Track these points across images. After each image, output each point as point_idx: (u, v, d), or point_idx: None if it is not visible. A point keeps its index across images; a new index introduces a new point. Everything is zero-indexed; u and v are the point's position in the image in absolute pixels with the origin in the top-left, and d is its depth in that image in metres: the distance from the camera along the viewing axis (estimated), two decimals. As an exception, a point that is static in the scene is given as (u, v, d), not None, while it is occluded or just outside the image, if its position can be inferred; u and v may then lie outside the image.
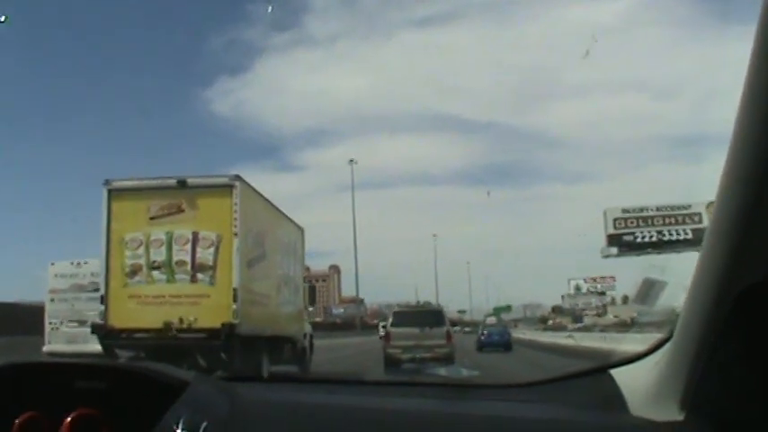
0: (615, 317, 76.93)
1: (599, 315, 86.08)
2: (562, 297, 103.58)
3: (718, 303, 1.34)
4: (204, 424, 1.74)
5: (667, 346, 1.62)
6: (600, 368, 1.95)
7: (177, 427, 1.73)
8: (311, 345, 20.81)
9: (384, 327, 26.09)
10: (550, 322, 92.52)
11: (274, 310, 17.24)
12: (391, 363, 20.11)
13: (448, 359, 20.38)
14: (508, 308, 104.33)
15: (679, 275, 1.61)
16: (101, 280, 14.83)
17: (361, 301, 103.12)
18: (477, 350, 37.47)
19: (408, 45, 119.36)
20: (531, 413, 1.87)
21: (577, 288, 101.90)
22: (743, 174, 1.22)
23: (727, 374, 1.40)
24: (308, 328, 20.77)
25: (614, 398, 1.77)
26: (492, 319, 76.52)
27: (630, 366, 1.86)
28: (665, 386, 1.58)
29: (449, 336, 21.26)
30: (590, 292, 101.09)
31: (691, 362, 1.46)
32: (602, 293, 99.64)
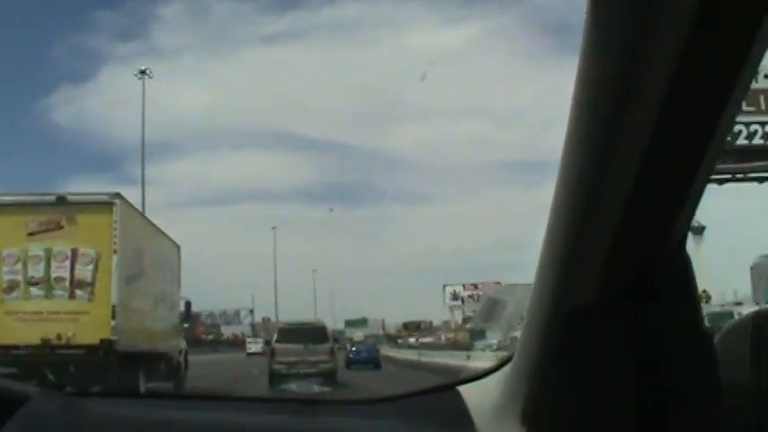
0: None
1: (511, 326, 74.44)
2: (463, 300, 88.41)
3: (552, 323, 1.40)
4: None
5: (510, 363, 1.66)
6: (448, 385, 1.97)
7: None
8: (186, 361, 20.95)
9: (267, 342, 26.32)
10: (400, 341, 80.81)
11: (152, 326, 17.34)
12: (276, 378, 20.59)
13: (331, 375, 21.21)
14: (363, 321, 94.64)
15: (523, 295, 1.60)
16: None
17: (197, 315, 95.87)
18: (346, 367, 37.66)
19: (255, 61, 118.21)
20: (379, 429, 1.91)
21: (454, 296, 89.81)
22: (569, 197, 1.29)
23: (562, 391, 1.43)
24: (183, 345, 20.91)
25: (461, 414, 1.79)
26: (359, 335, 73.66)
27: (477, 383, 1.90)
28: (507, 403, 1.61)
29: (332, 352, 22.04)
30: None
31: (529, 379, 1.50)
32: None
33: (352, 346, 44.56)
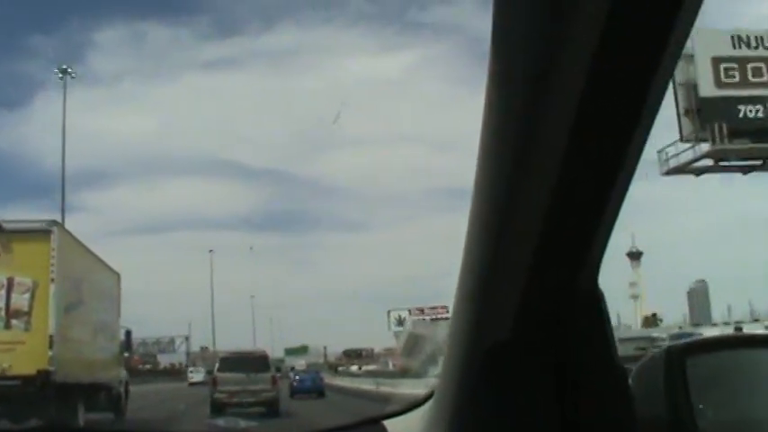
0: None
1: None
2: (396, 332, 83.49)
3: (470, 358, 1.41)
4: None
5: (434, 398, 1.67)
6: (375, 419, 1.99)
7: None
8: (127, 391, 20.51)
9: (210, 371, 26.07)
10: (340, 368, 77.83)
11: (91, 356, 16.96)
12: (218, 407, 20.42)
13: (273, 404, 21.15)
14: (304, 349, 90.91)
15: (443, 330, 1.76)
16: None
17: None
18: (290, 396, 37.06)
19: (193, 88, 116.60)
20: None
21: (399, 321, 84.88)
22: (481, 235, 1.30)
23: (482, 426, 1.44)
24: (123, 375, 20.48)
25: None
26: (301, 364, 71.45)
27: (402, 417, 1.93)
28: None
29: (274, 381, 22.01)
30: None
31: (451, 415, 1.51)
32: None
33: (296, 374, 43.78)
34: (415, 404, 1.88)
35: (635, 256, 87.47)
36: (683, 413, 1.55)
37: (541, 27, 1.05)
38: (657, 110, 1.14)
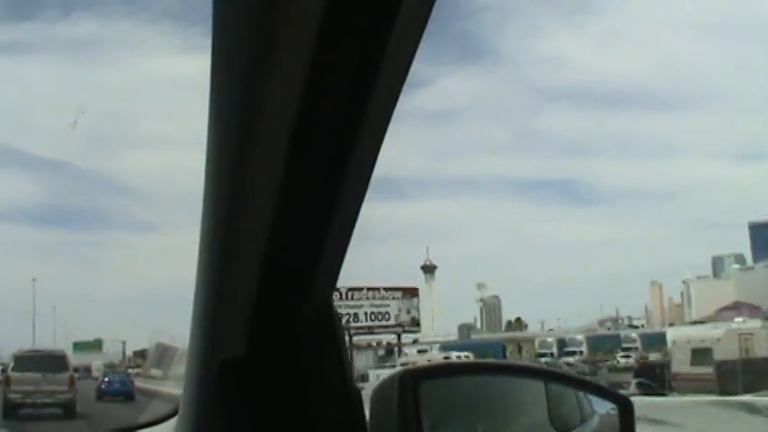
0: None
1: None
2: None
3: (205, 375, 1.42)
4: None
5: (178, 413, 1.68)
6: (124, 429, 2.16)
7: None
8: None
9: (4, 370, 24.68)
10: (133, 370, 75.59)
11: None
12: (11, 408, 19.46)
13: (70, 406, 20.11)
14: (97, 343, 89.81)
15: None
16: None
17: None
18: (97, 399, 35.42)
19: None
20: None
21: None
22: (209, 250, 1.28)
23: None
24: None
25: None
26: (98, 364, 65.36)
27: (153, 428, 2.00)
28: None
29: (72, 381, 21.05)
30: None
31: (191, 428, 1.51)
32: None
33: (105, 375, 41.85)
34: (166, 417, 1.86)
35: (429, 269, 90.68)
36: None
37: (260, 22, 1.01)
38: (385, 127, 1.13)
